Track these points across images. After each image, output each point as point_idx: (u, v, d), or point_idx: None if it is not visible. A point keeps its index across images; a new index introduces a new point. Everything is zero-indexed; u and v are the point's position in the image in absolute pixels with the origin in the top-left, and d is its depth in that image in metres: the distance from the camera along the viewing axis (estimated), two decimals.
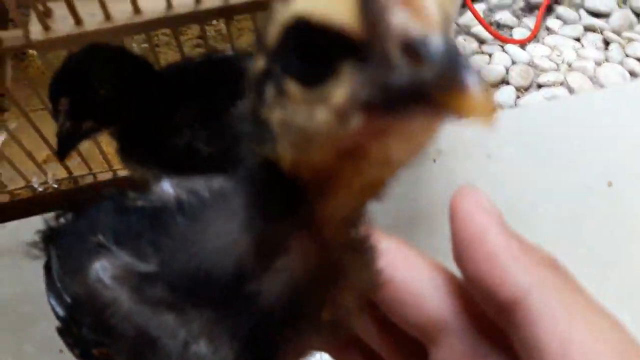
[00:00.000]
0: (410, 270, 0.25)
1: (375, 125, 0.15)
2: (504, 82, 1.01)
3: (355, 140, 0.16)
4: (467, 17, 1.08)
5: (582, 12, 1.12)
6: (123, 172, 0.63)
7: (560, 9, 1.12)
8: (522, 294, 0.21)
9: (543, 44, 1.07)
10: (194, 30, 0.84)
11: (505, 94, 0.97)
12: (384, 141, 0.16)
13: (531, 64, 1.03)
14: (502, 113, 0.86)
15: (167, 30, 0.57)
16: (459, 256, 0.23)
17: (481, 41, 1.07)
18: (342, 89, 0.15)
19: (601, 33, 1.08)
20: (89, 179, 0.63)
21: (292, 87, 0.16)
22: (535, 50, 1.05)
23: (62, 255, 0.35)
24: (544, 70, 1.02)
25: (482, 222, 0.22)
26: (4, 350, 0.54)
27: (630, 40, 1.06)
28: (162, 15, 0.44)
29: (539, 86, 1.00)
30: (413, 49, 0.14)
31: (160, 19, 0.44)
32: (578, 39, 1.08)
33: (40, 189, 0.61)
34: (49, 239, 0.38)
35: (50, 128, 0.56)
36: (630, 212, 0.65)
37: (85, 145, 0.63)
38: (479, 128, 0.14)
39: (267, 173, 0.19)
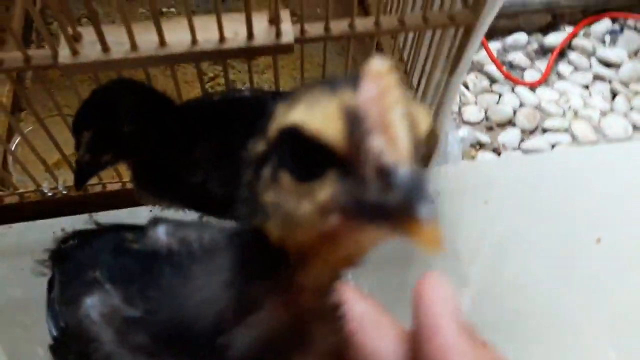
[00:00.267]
0: (379, 340, 0.27)
1: (349, 224, 0.18)
2: (511, 123, 1.02)
3: (333, 231, 0.19)
4: (481, 55, 1.09)
5: (594, 60, 1.14)
6: (131, 185, 0.65)
7: (573, 55, 1.14)
8: None
9: (552, 88, 1.09)
10: (216, 67, 0.86)
11: (510, 136, 0.99)
12: (357, 234, 0.19)
13: (538, 108, 1.05)
14: (502, 160, 0.88)
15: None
16: (416, 339, 0.24)
17: (493, 80, 1.09)
18: (326, 191, 0.18)
19: (610, 83, 1.10)
20: (98, 188, 0.65)
21: (285, 178, 0.19)
22: (544, 94, 1.07)
23: (63, 281, 0.36)
24: (550, 115, 1.04)
25: (440, 314, 0.24)
26: (16, 349, 0.55)
27: (637, 93, 1.08)
28: (186, 50, 0.46)
29: (544, 130, 1.02)
30: (384, 175, 0.17)
31: (184, 53, 0.46)
32: (587, 87, 1.10)
33: (49, 194, 0.63)
34: (56, 259, 0.40)
35: (63, 132, 0.57)
36: (616, 270, 0.67)
37: None
38: (427, 250, 0.16)
39: (255, 238, 0.22)
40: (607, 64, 1.13)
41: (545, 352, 0.62)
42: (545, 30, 1.18)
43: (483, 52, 1.08)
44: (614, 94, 1.08)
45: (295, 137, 0.18)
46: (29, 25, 0.85)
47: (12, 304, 0.59)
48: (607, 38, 1.17)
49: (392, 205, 0.16)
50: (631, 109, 1.06)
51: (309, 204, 0.18)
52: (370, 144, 0.17)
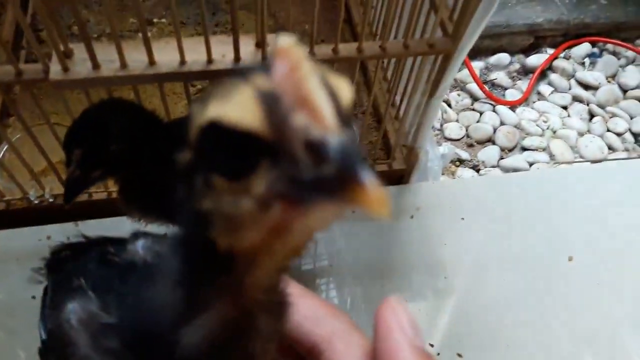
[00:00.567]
0: (347, 357, 0.28)
1: (292, 211, 0.17)
2: (490, 140, 1.05)
3: (277, 223, 0.18)
4: (464, 74, 1.13)
5: (573, 81, 1.18)
6: (117, 195, 0.66)
7: (553, 76, 1.18)
8: None
9: (532, 108, 1.13)
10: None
11: (489, 153, 1.02)
12: (303, 221, 0.18)
13: (518, 127, 1.08)
14: (480, 178, 0.91)
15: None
16: None
17: (474, 98, 1.12)
18: (261, 183, 0.17)
19: (587, 105, 1.14)
20: (84, 197, 0.66)
21: (218, 181, 0.18)
22: (524, 114, 1.10)
23: (53, 289, 0.38)
24: (529, 134, 1.07)
25: (398, 340, 0.26)
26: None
27: (613, 115, 1.12)
28: (174, 70, 0.47)
29: (523, 149, 1.05)
30: (314, 149, 0.16)
31: (173, 73, 0.47)
32: (565, 108, 1.13)
33: (36, 202, 0.64)
34: (50, 267, 0.41)
35: (51, 140, 0.59)
36: (587, 288, 0.69)
37: None
38: (376, 215, 0.16)
39: (201, 247, 0.21)
40: (586, 86, 1.17)
41: None
42: (527, 51, 1.21)
43: (466, 71, 1.11)
44: (591, 115, 1.12)
45: (215, 134, 0.17)
46: (19, 32, 0.86)
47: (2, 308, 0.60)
48: (587, 61, 1.21)
49: (330, 177, 0.16)
50: (608, 130, 1.09)
51: (248, 201, 0.18)
52: (293, 121, 0.16)
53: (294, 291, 0.28)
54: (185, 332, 0.23)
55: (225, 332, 0.23)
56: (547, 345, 0.66)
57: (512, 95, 1.14)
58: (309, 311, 0.28)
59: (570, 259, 0.72)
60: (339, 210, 0.17)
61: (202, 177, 0.19)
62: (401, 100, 0.73)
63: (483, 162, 1.01)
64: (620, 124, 1.09)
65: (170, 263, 0.24)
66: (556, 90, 1.16)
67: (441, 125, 1.06)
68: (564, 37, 1.22)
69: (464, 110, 1.10)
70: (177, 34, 0.47)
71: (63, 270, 0.39)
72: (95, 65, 0.47)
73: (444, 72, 0.56)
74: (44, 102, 0.79)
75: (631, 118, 1.11)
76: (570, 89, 1.17)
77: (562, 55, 1.21)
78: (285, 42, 0.18)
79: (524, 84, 1.16)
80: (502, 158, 1.03)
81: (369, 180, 0.16)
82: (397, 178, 0.76)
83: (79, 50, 0.48)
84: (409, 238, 0.72)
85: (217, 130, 0.17)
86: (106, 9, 0.46)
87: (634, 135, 1.08)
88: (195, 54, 0.47)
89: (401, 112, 0.72)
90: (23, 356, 0.58)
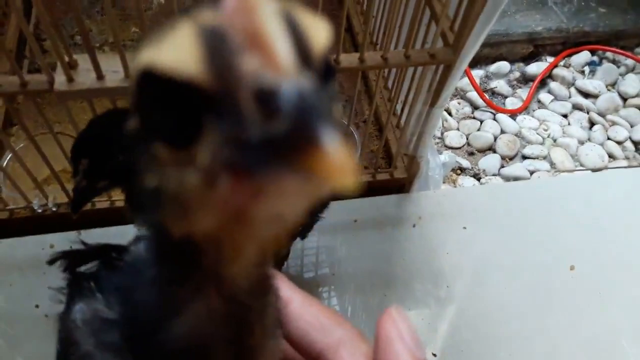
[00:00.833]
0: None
1: (246, 186, 0.13)
2: (491, 149, 1.06)
3: (232, 202, 0.14)
4: (464, 82, 1.13)
5: (573, 90, 1.18)
6: (121, 203, 0.66)
7: (553, 84, 1.18)
8: None
9: (532, 116, 1.13)
10: None
11: (490, 162, 1.02)
12: (263, 201, 0.14)
13: (519, 135, 1.08)
14: (482, 187, 0.91)
15: None
16: None
17: (475, 106, 1.12)
18: (205, 149, 0.14)
19: (587, 113, 1.14)
20: (87, 206, 0.66)
21: (160, 150, 0.15)
22: (524, 122, 1.11)
23: (70, 293, 0.38)
24: (530, 142, 1.07)
25: (398, 351, 0.26)
26: None
27: (613, 123, 1.12)
28: None
29: (524, 157, 1.06)
30: (266, 100, 0.12)
31: None
32: (565, 116, 1.14)
33: (39, 211, 0.64)
34: (71, 284, 0.41)
35: (54, 148, 0.59)
36: (589, 297, 0.70)
37: None
38: (339, 189, 0.12)
39: (159, 236, 0.19)
40: (586, 94, 1.17)
41: None
42: (527, 59, 1.22)
43: (466, 79, 1.12)
44: (591, 124, 1.12)
45: (150, 85, 0.14)
46: (22, 41, 0.86)
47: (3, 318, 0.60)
48: (587, 69, 1.22)
49: (281, 137, 0.12)
50: (608, 138, 1.10)
51: (192, 173, 0.14)
52: (240, 64, 0.12)
53: (299, 298, 0.28)
54: (173, 324, 0.22)
55: (214, 323, 0.22)
56: (549, 354, 0.66)
57: (512, 103, 1.14)
58: (314, 319, 0.28)
59: (572, 268, 0.72)
60: (304, 184, 0.13)
61: (145, 146, 0.15)
62: (402, 109, 0.73)
63: (484, 170, 1.01)
64: (620, 132, 1.10)
65: (147, 257, 0.23)
66: (556, 98, 1.17)
67: (442, 134, 1.06)
68: (564, 45, 1.23)
69: (464, 118, 1.10)
70: None
71: (79, 276, 0.39)
72: (100, 76, 0.47)
73: (445, 81, 0.57)
74: (46, 110, 0.79)
75: (631, 126, 1.11)
76: (570, 97, 1.17)
77: (561, 63, 1.22)
78: None
79: (524, 92, 1.17)
80: (502, 166, 1.03)
81: (330, 140, 0.12)
82: (398, 187, 0.76)
83: (82, 61, 0.48)
84: (411, 247, 0.72)
85: (152, 81, 0.13)
86: (109, 19, 0.46)
87: (635, 143, 1.09)
88: None
89: (402, 121, 0.72)
90: None
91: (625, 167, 1.04)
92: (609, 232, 0.76)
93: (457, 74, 0.56)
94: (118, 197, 0.67)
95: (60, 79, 0.47)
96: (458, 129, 1.08)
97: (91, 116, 0.67)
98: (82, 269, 0.38)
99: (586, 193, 0.80)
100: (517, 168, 1.02)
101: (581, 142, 1.09)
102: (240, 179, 0.13)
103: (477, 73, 1.17)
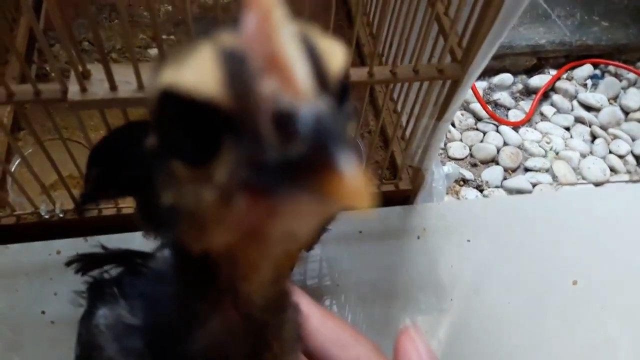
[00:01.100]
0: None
1: (262, 205, 0.14)
2: (494, 161, 1.06)
3: (247, 221, 0.15)
4: (467, 93, 1.14)
5: (575, 102, 1.19)
6: (127, 210, 0.67)
7: (556, 97, 1.19)
8: None
9: (535, 128, 1.14)
10: None
11: (493, 173, 1.03)
12: (278, 220, 0.14)
13: (521, 147, 1.09)
14: (485, 200, 0.92)
15: None
16: None
17: (478, 118, 1.13)
18: (223, 168, 0.14)
19: (590, 126, 1.15)
20: (94, 213, 0.67)
21: (178, 167, 0.15)
22: (527, 135, 1.12)
23: (90, 297, 0.39)
24: (532, 155, 1.08)
25: None
26: None
27: (615, 137, 1.13)
28: None
29: (526, 170, 1.06)
30: (283, 122, 0.13)
31: None
32: (568, 129, 1.15)
33: (46, 217, 0.64)
34: (92, 288, 0.41)
35: (62, 154, 0.59)
36: (592, 312, 0.70)
37: None
38: (353, 210, 0.12)
39: (178, 252, 0.20)
40: (588, 108, 1.18)
41: None
42: (530, 72, 1.23)
43: (469, 91, 1.13)
44: (593, 137, 1.13)
45: (171, 105, 0.14)
46: (31, 45, 0.87)
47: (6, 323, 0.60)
48: (589, 82, 1.22)
49: (297, 159, 0.12)
50: (610, 152, 1.10)
51: (209, 191, 0.14)
52: (259, 86, 0.13)
53: (318, 313, 0.29)
54: (194, 336, 0.22)
55: (232, 338, 0.22)
56: None
57: (515, 115, 1.15)
58: (333, 334, 0.29)
59: (574, 282, 0.72)
60: (319, 205, 0.13)
61: (164, 164, 0.16)
62: (407, 121, 0.74)
63: (487, 182, 1.02)
64: (622, 146, 1.11)
65: (168, 269, 0.24)
66: (559, 111, 1.18)
67: (445, 145, 1.07)
68: (567, 58, 1.24)
69: (467, 129, 1.11)
70: None
71: (100, 283, 0.39)
72: (113, 87, 0.47)
73: (452, 96, 0.57)
74: (54, 115, 0.79)
75: (633, 140, 1.12)
76: (572, 110, 1.18)
77: (564, 76, 1.23)
78: None
79: (526, 105, 1.17)
80: (505, 178, 1.03)
81: (345, 164, 0.12)
82: (402, 198, 0.77)
83: (96, 71, 0.48)
84: (415, 259, 0.72)
85: (173, 101, 0.14)
86: (124, 31, 0.47)
87: (636, 157, 1.10)
88: None
89: (407, 133, 0.73)
90: None
91: (626, 181, 1.04)
92: (613, 247, 0.77)
93: (465, 89, 0.56)
94: (125, 204, 0.67)
95: (73, 88, 0.47)
96: (461, 140, 1.09)
97: (99, 122, 0.67)
98: (105, 274, 0.39)
99: (589, 207, 0.80)
100: (519, 180, 1.03)
101: (583, 155, 1.09)
102: (256, 198, 0.14)
103: (481, 85, 1.18)
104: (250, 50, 0.13)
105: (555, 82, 1.20)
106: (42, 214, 0.64)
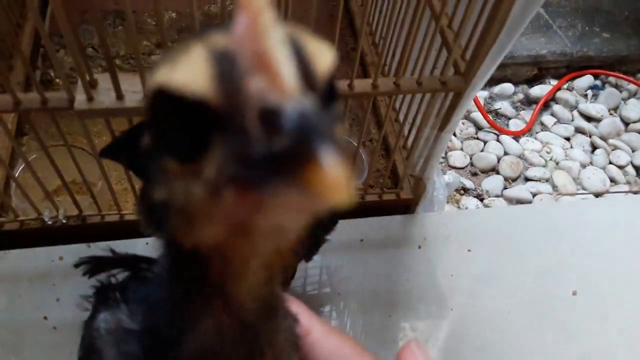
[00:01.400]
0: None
1: (249, 199, 0.14)
2: (494, 170, 1.07)
3: (235, 214, 0.15)
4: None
5: (576, 113, 1.20)
6: (130, 216, 0.67)
7: (556, 107, 1.20)
8: None
9: (535, 138, 1.14)
10: None
11: (493, 183, 1.03)
12: (265, 214, 0.15)
13: (522, 157, 1.10)
14: (486, 210, 0.92)
15: None
16: None
17: (479, 127, 1.14)
18: (211, 163, 0.15)
19: (590, 136, 1.16)
20: (97, 219, 0.67)
21: (170, 163, 0.16)
22: (527, 144, 1.12)
23: (95, 301, 0.39)
24: (532, 165, 1.08)
25: None
26: None
27: (615, 147, 1.13)
28: None
29: (526, 179, 1.07)
30: (269, 119, 0.13)
31: None
32: (568, 139, 1.15)
33: (49, 222, 0.65)
34: (98, 292, 0.42)
35: (66, 160, 0.60)
36: (591, 322, 0.70)
37: (98, 188, 0.67)
38: (333, 204, 0.13)
39: (170, 248, 0.20)
40: (588, 118, 1.19)
41: None
42: (531, 82, 1.23)
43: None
44: (593, 147, 1.14)
45: (163, 103, 0.15)
46: (35, 50, 0.87)
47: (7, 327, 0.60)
48: (589, 93, 1.23)
49: (281, 153, 0.13)
50: (610, 162, 1.11)
51: (198, 186, 0.15)
52: (247, 85, 0.13)
53: (320, 328, 0.29)
54: (185, 340, 0.23)
55: (224, 342, 0.22)
56: None
57: (515, 125, 1.16)
58: (336, 349, 0.29)
59: (574, 293, 0.72)
60: (303, 198, 0.13)
61: (156, 160, 0.16)
62: (409, 131, 0.74)
63: (487, 191, 1.02)
64: (622, 157, 1.11)
65: (162, 271, 0.24)
66: (559, 121, 1.18)
67: (445, 154, 1.07)
68: (567, 68, 1.25)
69: (468, 139, 1.12)
70: None
71: (105, 288, 0.40)
72: (119, 96, 0.48)
73: (454, 108, 0.58)
74: (59, 122, 0.80)
75: (633, 151, 1.12)
76: (572, 120, 1.19)
77: (565, 86, 1.23)
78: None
79: (527, 114, 1.18)
80: (505, 188, 1.04)
81: (326, 157, 0.12)
82: (404, 207, 0.77)
83: (102, 80, 0.49)
84: (415, 268, 0.73)
85: (165, 99, 0.15)
86: (129, 36, 0.47)
87: (636, 168, 1.10)
88: None
89: (409, 142, 0.73)
90: None
91: (626, 192, 1.05)
92: (611, 257, 0.77)
93: (467, 101, 0.57)
94: (127, 210, 0.67)
95: (80, 97, 0.48)
96: (462, 149, 1.09)
97: (103, 128, 0.67)
98: (112, 278, 0.39)
99: (589, 218, 0.81)
100: (519, 190, 1.03)
101: (583, 166, 1.10)
102: (244, 192, 0.14)
103: (482, 94, 1.19)
104: (239, 50, 0.14)
105: (555, 92, 1.21)
106: (45, 219, 0.64)
